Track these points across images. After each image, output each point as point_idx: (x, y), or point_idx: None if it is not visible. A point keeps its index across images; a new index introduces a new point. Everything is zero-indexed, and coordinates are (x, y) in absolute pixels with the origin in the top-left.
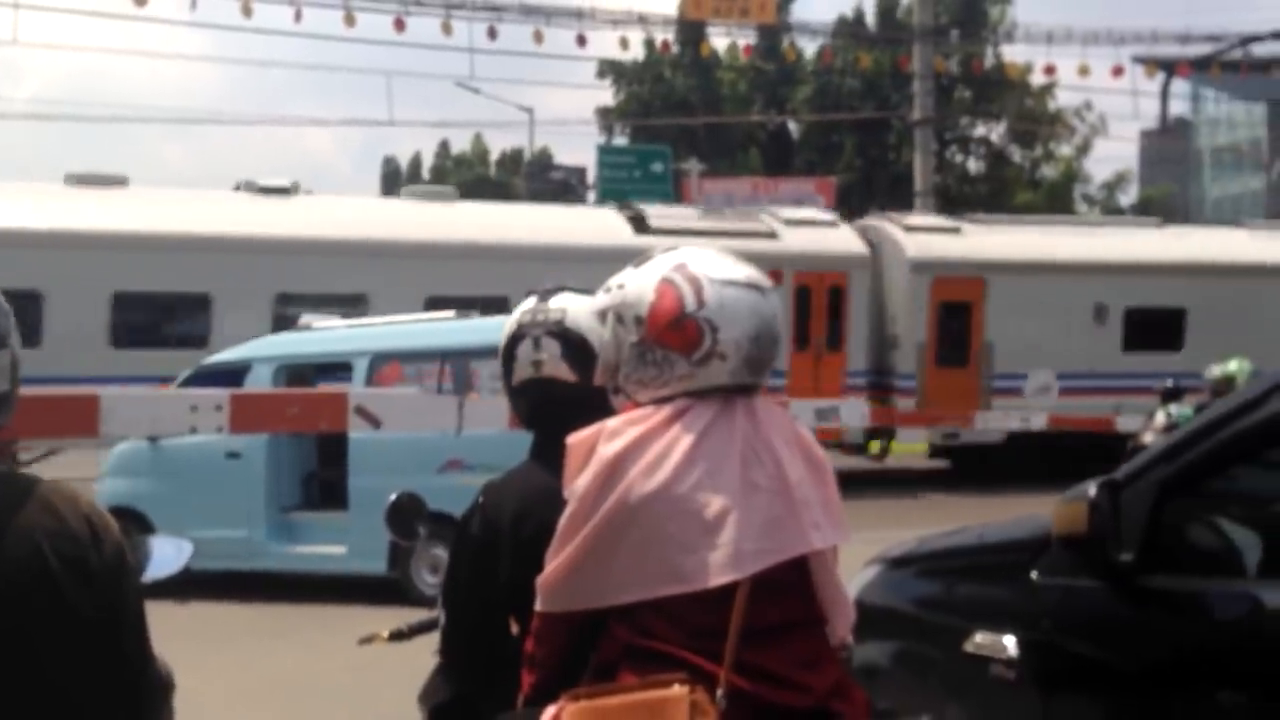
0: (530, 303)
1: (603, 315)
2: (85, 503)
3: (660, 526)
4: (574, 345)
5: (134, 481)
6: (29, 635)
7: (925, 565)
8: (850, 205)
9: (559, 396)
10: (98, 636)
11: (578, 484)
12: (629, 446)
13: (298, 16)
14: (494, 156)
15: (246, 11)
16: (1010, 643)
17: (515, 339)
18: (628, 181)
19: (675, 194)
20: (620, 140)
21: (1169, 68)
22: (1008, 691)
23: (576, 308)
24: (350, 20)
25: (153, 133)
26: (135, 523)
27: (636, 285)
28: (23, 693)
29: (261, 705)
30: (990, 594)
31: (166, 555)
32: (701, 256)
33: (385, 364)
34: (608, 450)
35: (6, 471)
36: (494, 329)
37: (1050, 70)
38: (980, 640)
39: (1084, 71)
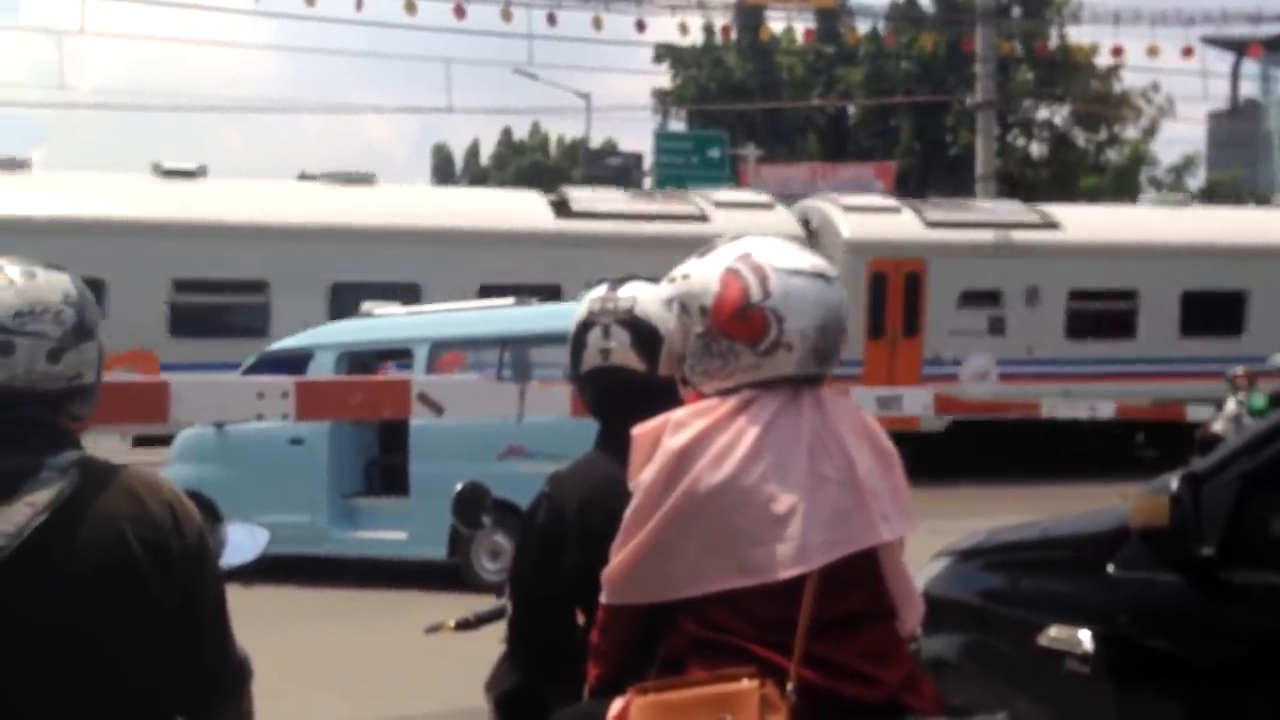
0: (601, 290)
1: (667, 305)
2: (167, 489)
3: (727, 519)
4: (644, 334)
5: (199, 467)
6: (111, 620)
7: (995, 558)
8: (908, 190)
9: (627, 385)
10: (177, 622)
11: (643, 476)
12: (695, 438)
13: (359, 5)
14: (553, 143)
15: (309, 0)
16: (1086, 637)
17: (585, 326)
18: (685, 167)
19: (732, 180)
20: (677, 126)
21: (1239, 48)
22: (1082, 686)
23: (647, 296)
24: (411, 8)
25: (214, 121)
26: (200, 507)
27: (701, 275)
28: (101, 676)
29: (322, 688)
30: (1065, 588)
31: (242, 543)
32: (766, 246)
33: (445, 351)
34: (674, 442)
35: (90, 458)
36: (551, 315)
37: (1118, 52)
38: (1055, 634)
39: (1153, 53)
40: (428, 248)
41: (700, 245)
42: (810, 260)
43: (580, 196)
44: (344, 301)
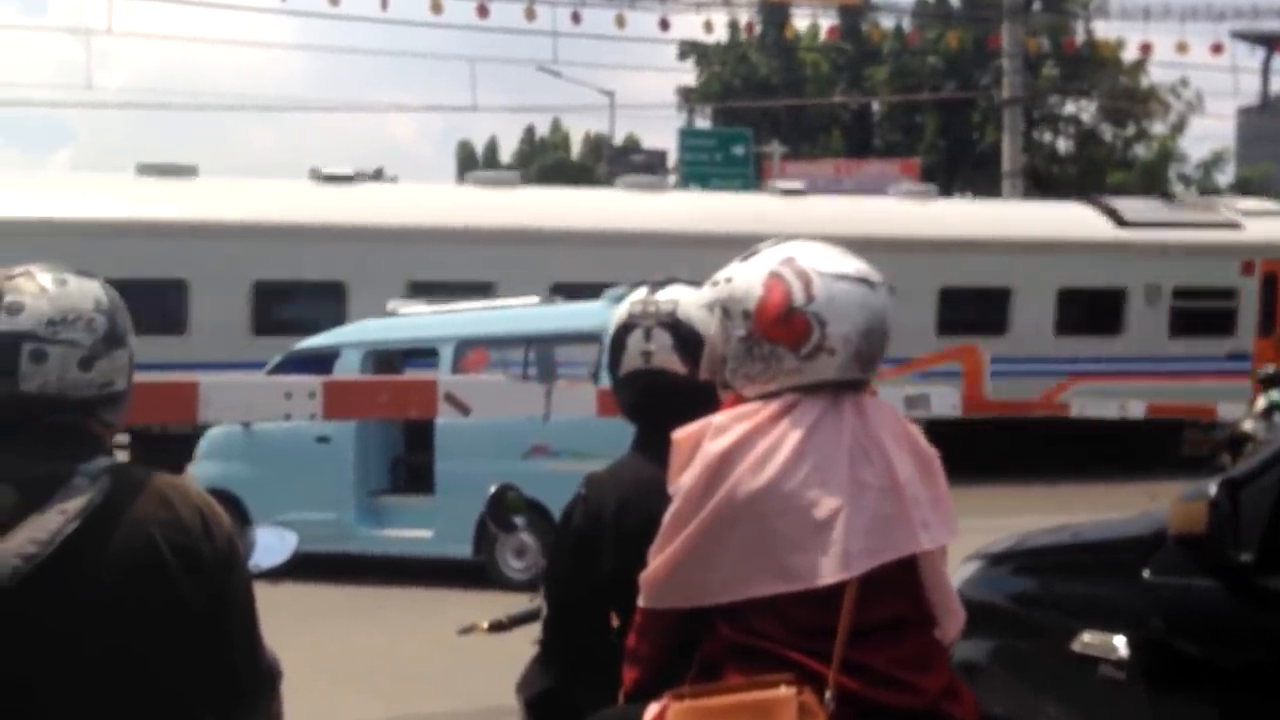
0: (641, 293)
1: (709, 309)
2: (197, 494)
3: (768, 524)
4: (685, 337)
5: (226, 465)
6: (141, 625)
7: (1027, 562)
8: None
9: (667, 388)
10: (207, 627)
11: (683, 480)
12: (736, 443)
13: (384, 4)
14: (576, 140)
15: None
16: (1121, 643)
17: (626, 329)
18: (709, 164)
19: (756, 177)
20: (702, 123)
21: (1270, 43)
22: (1117, 692)
23: (689, 299)
24: (437, 7)
25: (239, 120)
26: (227, 505)
27: (744, 279)
28: (133, 682)
29: (350, 685)
30: (1099, 593)
31: (271, 545)
32: (810, 250)
33: (471, 349)
34: (714, 446)
35: (120, 464)
36: (576, 315)
37: (1147, 48)
38: (1089, 640)
39: (1182, 49)
40: (1015, 257)
41: (1235, 252)
42: (855, 265)
43: (1128, 207)
44: None
